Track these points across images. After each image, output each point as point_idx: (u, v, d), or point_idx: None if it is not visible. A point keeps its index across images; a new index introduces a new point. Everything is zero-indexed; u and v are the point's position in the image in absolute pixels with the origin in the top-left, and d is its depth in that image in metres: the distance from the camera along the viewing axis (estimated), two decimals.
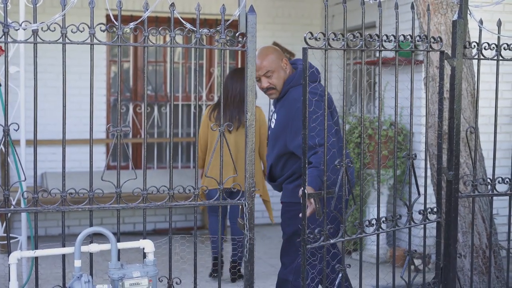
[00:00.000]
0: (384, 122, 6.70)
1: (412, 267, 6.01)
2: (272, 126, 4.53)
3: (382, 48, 3.85)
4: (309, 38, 3.53)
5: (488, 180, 4.37)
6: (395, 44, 3.90)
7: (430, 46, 4.05)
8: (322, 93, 4.21)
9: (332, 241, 3.73)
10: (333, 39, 3.63)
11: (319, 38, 3.56)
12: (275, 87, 4.39)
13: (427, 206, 4.21)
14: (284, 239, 4.50)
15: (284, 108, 4.39)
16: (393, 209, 4.06)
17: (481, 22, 4.23)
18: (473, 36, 5.15)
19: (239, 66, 8.50)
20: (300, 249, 4.33)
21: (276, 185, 4.57)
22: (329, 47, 3.63)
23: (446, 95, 4.80)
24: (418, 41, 4.00)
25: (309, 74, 4.34)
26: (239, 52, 7.77)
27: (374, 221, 3.90)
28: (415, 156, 4.01)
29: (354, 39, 3.69)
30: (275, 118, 4.51)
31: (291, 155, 4.37)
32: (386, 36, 3.84)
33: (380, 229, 3.95)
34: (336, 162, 3.73)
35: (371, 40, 3.79)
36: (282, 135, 4.38)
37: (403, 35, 3.88)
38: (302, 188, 3.61)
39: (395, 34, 3.88)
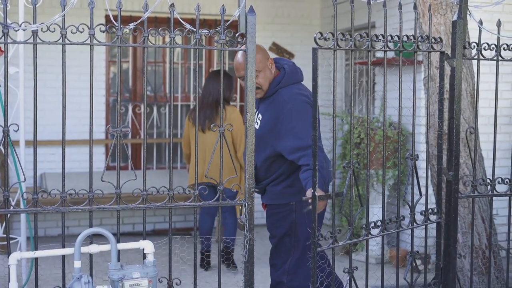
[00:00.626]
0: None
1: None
2: (257, 127, 4.43)
3: (387, 49, 3.87)
4: (319, 38, 3.54)
5: (488, 181, 4.37)
6: (398, 44, 3.91)
7: (432, 47, 4.05)
8: (310, 94, 4.27)
9: (340, 243, 3.73)
10: (341, 39, 3.64)
11: (328, 38, 3.57)
12: (260, 87, 4.36)
13: (430, 206, 4.21)
14: (274, 241, 4.49)
15: (272, 109, 4.35)
16: (397, 210, 4.06)
17: (480, 22, 4.23)
18: (473, 36, 5.15)
19: None
20: (291, 250, 4.35)
21: (259, 188, 4.54)
22: (337, 47, 3.64)
23: (445, 95, 4.80)
24: (419, 41, 4.01)
25: (295, 75, 4.38)
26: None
27: (379, 223, 3.90)
28: (417, 156, 4.02)
29: (361, 39, 3.69)
30: (260, 119, 4.44)
31: (278, 157, 4.35)
32: (391, 36, 3.86)
33: (385, 231, 3.96)
34: (344, 164, 3.76)
35: (376, 40, 3.81)
36: (270, 136, 4.34)
37: (406, 36, 3.89)
38: (312, 190, 3.61)
39: (398, 35, 3.88)
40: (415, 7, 3.97)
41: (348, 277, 3.81)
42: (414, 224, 4.06)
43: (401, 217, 4.01)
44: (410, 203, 4.06)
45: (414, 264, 4.16)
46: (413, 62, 3.95)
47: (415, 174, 4.04)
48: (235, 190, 3.78)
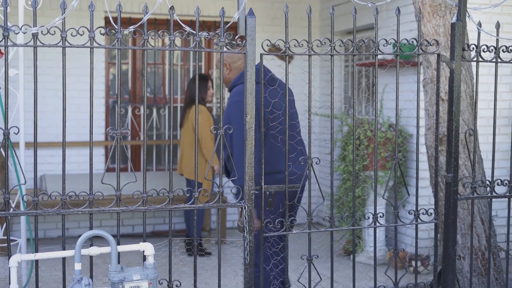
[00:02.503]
0: (383, 123, 6.71)
1: (411, 269, 6.04)
2: None
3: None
4: (267, 45, 3.77)
5: (487, 182, 4.38)
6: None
7: (421, 49, 4.08)
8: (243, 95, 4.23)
9: (295, 231, 3.87)
10: (294, 46, 3.86)
11: (278, 45, 3.76)
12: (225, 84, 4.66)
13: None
14: None
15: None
16: (374, 207, 4.07)
17: (479, 24, 4.24)
18: (472, 37, 5.16)
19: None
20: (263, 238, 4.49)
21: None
22: (290, 52, 3.90)
23: (445, 97, 4.81)
24: (404, 44, 4.06)
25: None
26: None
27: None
28: (404, 157, 4.07)
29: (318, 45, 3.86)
30: None
31: None
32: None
33: (356, 225, 4.03)
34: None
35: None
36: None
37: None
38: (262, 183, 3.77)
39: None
40: (398, 11, 4.01)
41: (306, 265, 3.90)
42: (398, 222, 4.12)
43: (380, 214, 4.07)
44: (398, 202, 4.12)
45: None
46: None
47: (401, 174, 4.08)
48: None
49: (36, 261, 3.56)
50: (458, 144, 4.13)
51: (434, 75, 4.98)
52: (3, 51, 3.43)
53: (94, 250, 3.52)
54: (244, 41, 3.62)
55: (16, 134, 3.50)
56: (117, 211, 3.59)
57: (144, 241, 3.62)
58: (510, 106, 6.98)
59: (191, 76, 8.49)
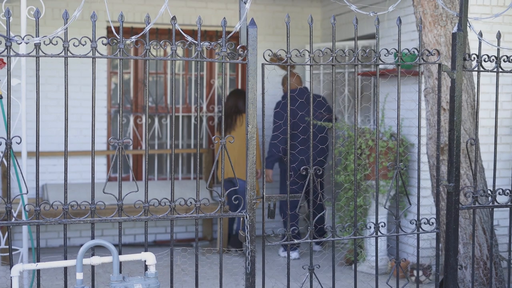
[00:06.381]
0: (384, 133, 6.71)
1: (413, 278, 6.03)
2: None
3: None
4: (268, 55, 3.79)
5: (489, 192, 4.38)
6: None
7: (423, 59, 4.10)
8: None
9: (296, 241, 3.91)
10: (296, 56, 3.87)
11: (280, 54, 3.84)
12: None
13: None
14: None
15: None
16: (375, 217, 4.08)
17: (480, 34, 4.25)
18: (473, 47, 5.17)
19: (239, 77, 8.56)
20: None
21: None
22: (292, 62, 3.90)
23: (446, 106, 4.82)
24: (405, 54, 4.08)
25: None
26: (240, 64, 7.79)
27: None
28: (405, 167, 4.09)
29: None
30: None
31: None
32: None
33: (357, 235, 4.04)
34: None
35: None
36: None
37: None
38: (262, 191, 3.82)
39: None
40: (399, 20, 4.03)
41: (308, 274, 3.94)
42: (400, 231, 4.13)
43: (382, 223, 4.11)
44: (399, 211, 4.13)
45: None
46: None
47: (403, 184, 4.10)
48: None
49: (38, 270, 3.56)
50: (460, 154, 4.14)
51: (435, 85, 4.99)
52: (5, 61, 3.44)
53: (96, 260, 3.52)
54: (245, 51, 3.63)
55: (18, 143, 3.51)
56: (118, 221, 3.60)
57: (145, 251, 3.62)
58: (511, 115, 6.98)
59: (192, 84, 8.52)
